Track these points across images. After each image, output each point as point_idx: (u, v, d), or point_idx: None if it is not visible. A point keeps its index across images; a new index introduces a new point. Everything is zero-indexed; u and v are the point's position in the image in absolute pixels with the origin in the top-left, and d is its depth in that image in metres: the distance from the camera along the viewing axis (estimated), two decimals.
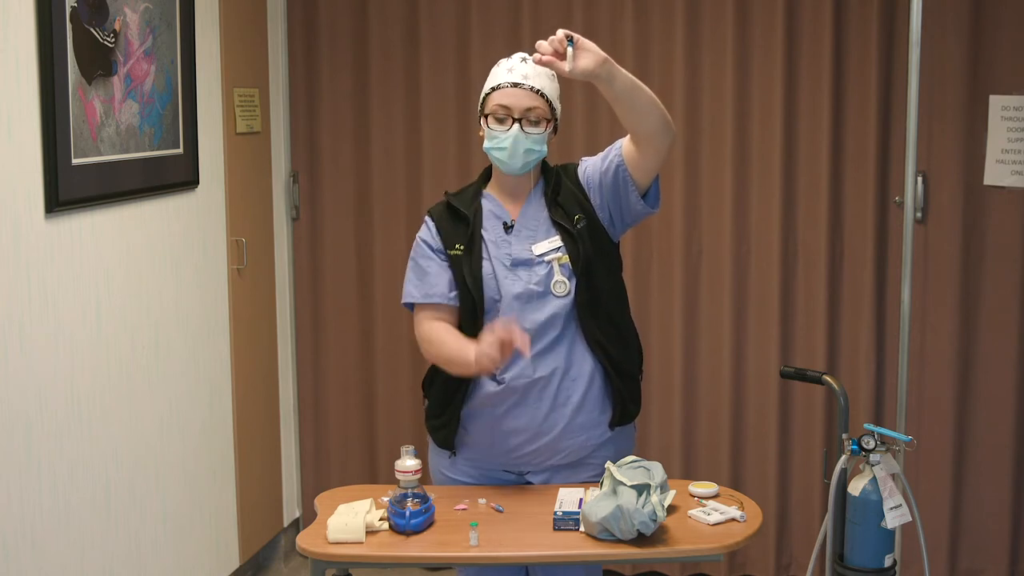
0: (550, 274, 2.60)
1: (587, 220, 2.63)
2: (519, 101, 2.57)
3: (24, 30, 2.70)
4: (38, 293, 2.79)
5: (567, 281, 2.60)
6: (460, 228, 2.65)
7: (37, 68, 2.75)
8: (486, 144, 2.62)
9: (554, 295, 2.59)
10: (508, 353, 2.41)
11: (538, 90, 2.58)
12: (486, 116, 2.61)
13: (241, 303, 3.86)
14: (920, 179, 3.67)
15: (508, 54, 2.69)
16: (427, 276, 2.65)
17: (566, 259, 2.60)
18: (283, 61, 4.15)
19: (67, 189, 2.85)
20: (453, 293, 2.64)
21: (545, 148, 2.62)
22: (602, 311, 2.63)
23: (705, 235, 3.92)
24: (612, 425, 2.66)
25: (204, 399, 3.64)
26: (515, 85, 2.58)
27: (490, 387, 2.61)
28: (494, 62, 2.69)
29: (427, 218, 2.72)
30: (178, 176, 3.44)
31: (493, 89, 2.61)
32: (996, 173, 3.52)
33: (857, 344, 3.86)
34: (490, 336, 2.41)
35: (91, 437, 3.02)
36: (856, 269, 3.84)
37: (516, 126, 2.57)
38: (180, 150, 3.44)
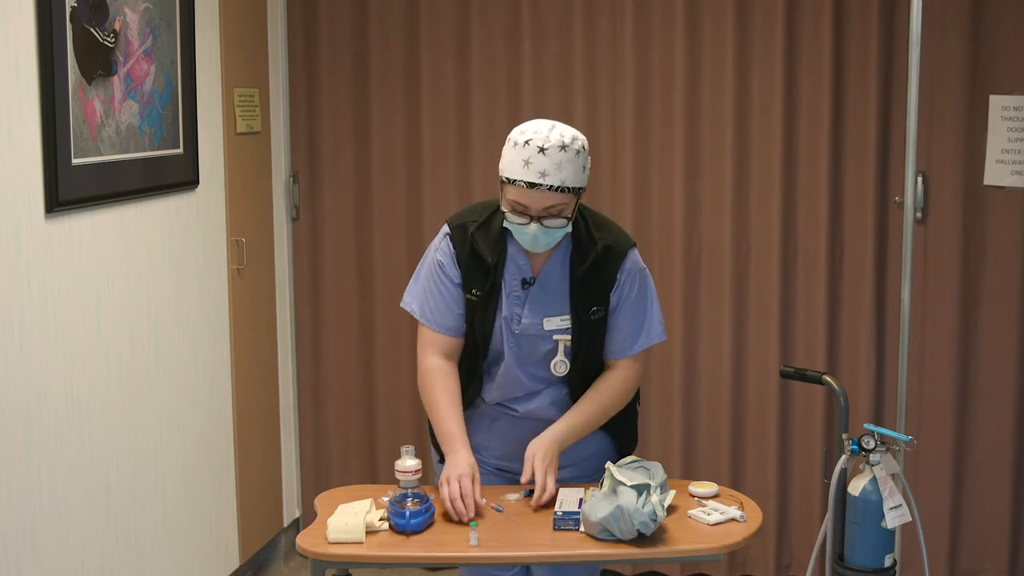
0: (553, 351, 2.57)
1: (602, 314, 2.56)
2: (536, 202, 2.42)
3: (24, 30, 2.70)
4: (38, 293, 2.79)
5: (567, 362, 2.57)
6: (481, 274, 2.55)
7: (37, 68, 2.75)
8: (507, 224, 2.49)
9: (552, 372, 2.60)
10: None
11: (558, 187, 2.42)
12: (505, 193, 2.47)
13: (241, 303, 3.86)
14: (920, 179, 3.67)
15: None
16: (438, 304, 2.59)
17: (569, 342, 2.57)
18: (283, 61, 4.15)
19: (67, 189, 2.85)
20: (462, 326, 2.61)
21: (570, 228, 2.49)
22: (592, 380, 2.63)
23: (705, 235, 3.92)
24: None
25: (204, 399, 3.64)
26: (531, 186, 2.40)
27: (484, 407, 2.68)
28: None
29: (449, 242, 2.59)
30: (178, 176, 3.44)
31: (510, 180, 2.44)
32: (996, 173, 3.52)
33: (857, 344, 3.86)
34: (442, 492, 2.45)
35: (91, 437, 3.02)
36: (856, 269, 3.84)
37: (535, 224, 2.44)
38: (180, 150, 3.44)
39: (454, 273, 2.58)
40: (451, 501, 2.42)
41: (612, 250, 2.55)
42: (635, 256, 2.59)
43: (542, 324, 2.56)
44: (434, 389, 2.59)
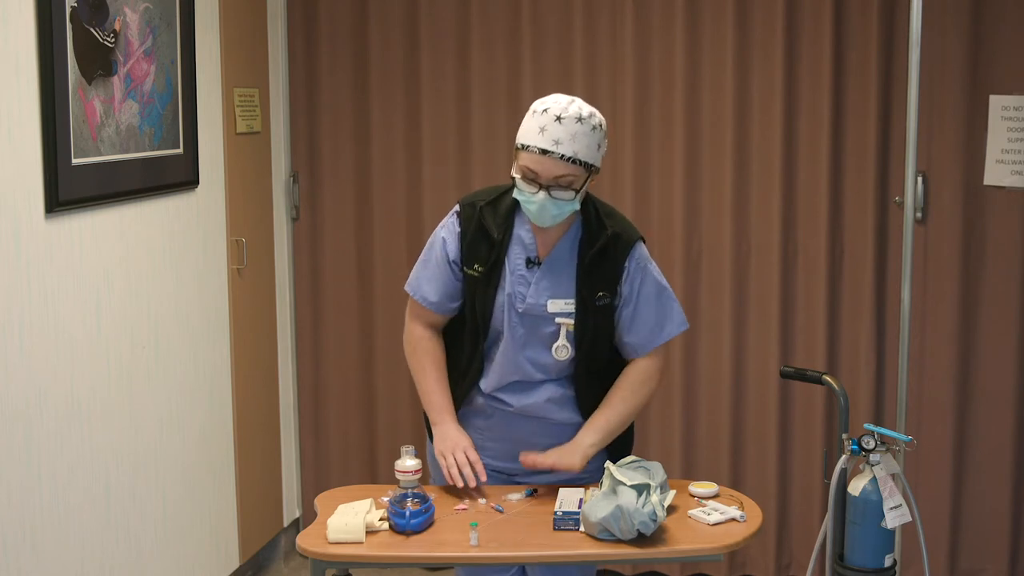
0: (555, 335, 2.57)
1: (608, 300, 2.56)
2: (547, 170, 2.43)
3: (24, 30, 2.70)
4: (38, 293, 2.79)
5: (569, 347, 2.57)
6: (485, 249, 2.56)
7: (37, 68, 2.75)
8: (516, 193, 2.51)
9: (554, 356, 2.60)
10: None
11: (569, 157, 2.43)
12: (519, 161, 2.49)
13: (241, 303, 3.86)
14: (920, 179, 3.67)
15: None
16: (430, 279, 2.63)
17: (573, 326, 2.57)
18: (283, 61, 4.15)
19: (67, 189, 2.85)
20: (454, 304, 2.63)
21: (578, 204, 2.49)
22: (598, 378, 2.63)
23: (705, 235, 3.92)
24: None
25: (204, 399, 3.64)
26: (544, 152, 2.42)
27: (479, 402, 2.68)
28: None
29: (455, 218, 2.62)
30: (178, 176, 3.44)
31: (524, 146, 2.46)
32: (996, 173, 3.52)
33: (857, 344, 3.86)
34: (447, 461, 2.54)
35: (91, 437, 3.02)
36: (856, 269, 3.84)
37: (543, 193, 2.44)
38: (180, 150, 3.44)
39: (454, 250, 2.60)
40: (459, 468, 2.49)
41: (620, 238, 2.57)
42: (643, 249, 2.61)
43: (546, 305, 2.56)
44: (422, 358, 2.66)
